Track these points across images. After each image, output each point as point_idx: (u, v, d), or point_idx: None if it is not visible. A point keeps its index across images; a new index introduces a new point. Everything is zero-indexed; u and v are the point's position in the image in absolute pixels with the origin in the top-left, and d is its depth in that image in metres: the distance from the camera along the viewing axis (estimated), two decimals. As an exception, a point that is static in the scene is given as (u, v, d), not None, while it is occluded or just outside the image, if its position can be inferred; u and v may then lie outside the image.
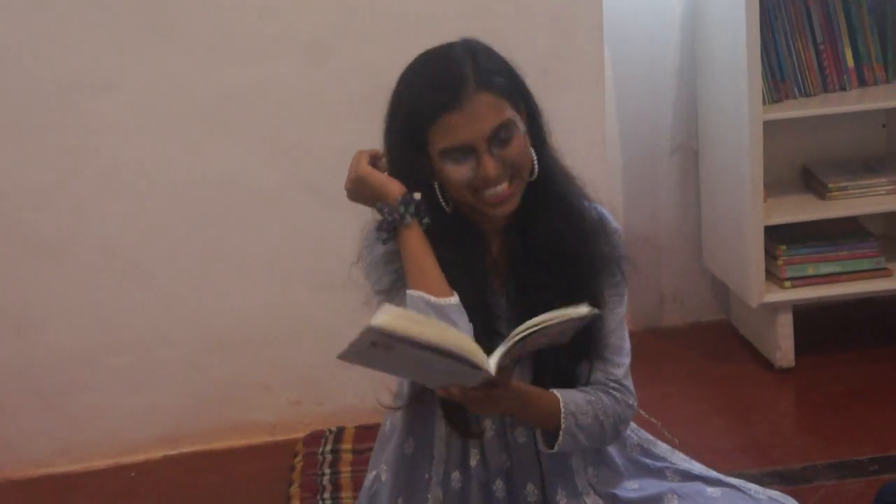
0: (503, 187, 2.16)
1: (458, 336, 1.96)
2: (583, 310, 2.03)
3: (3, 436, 3.58)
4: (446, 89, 2.13)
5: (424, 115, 2.15)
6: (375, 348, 1.90)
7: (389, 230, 2.19)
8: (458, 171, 2.15)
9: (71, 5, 3.37)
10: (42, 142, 3.45)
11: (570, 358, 2.24)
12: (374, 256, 2.25)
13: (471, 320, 2.17)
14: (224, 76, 3.46)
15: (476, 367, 1.97)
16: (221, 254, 3.57)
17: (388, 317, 1.87)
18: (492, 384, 2.03)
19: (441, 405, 2.24)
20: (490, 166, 2.14)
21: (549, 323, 2.01)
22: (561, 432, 2.19)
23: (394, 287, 2.22)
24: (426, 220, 2.19)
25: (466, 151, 2.14)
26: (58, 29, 3.38)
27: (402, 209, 2.18)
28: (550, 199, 2.23)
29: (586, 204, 2.29)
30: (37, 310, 3.54)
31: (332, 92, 3.51)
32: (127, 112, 3.46)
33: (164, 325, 3.59)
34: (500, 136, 2.15)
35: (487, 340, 2.08)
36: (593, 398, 2.24)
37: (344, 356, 1.98)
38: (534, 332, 2.00)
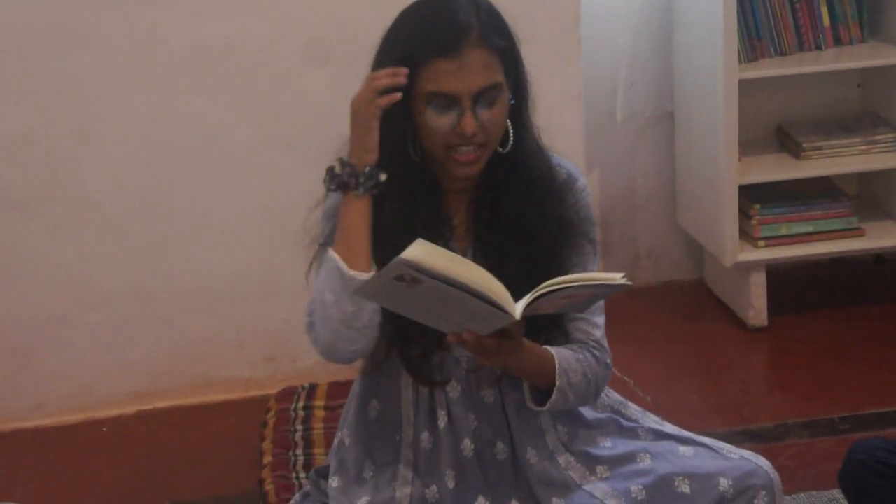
0: (472, 149, 2.15)
1: (487, 277, 1.94)
2: (617, 277, 2.03)
3: (-24, 391, 3.59)
4: (448, 34, 2.12)
5: (419, 54, 2.13)
6: (399, 282, 1.88)
7: (338, 187, 2.16)
8: (438, 121, 2.14)
9: (43, -42, 3.35)
10: (13, 96, 3.42)
11: (550, 317, 2.23)
12: (329, 204, 2.24)
13: None
14: (197, 31, 3.44)
15: (502, 310, 1.96)
16: (195, 210, 3.56)
17: (421, 251, 1.86)
18: (505, 335, 2.04)
19: (403, 358, 2.24)
20: (469, 123, 2.13)
21: (580, 284, 2.02)
22: (555, 390, 2.20)
23: (329, 240, 2.21)
24: (375, 192, 2.16)
25: (450, 102, 2.13)
26: (30, -19, 3.36)
27: (361, 178, 2.14)
28: (522, 174, 2.22)
29: (555, 164, 2.28)
30: (9, 265, 3.52)
31: (305, 49, 3.49)
32: (100, 66, 3.44)
33: (138, 280, 3.58)
34: (486, 97, 2.14)
35: None
36: (581, 356, 2.25)
37: (361, 290, 1.97)
38: (561, 289, 2.00)
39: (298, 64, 3.50)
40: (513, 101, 2.19)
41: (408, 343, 2.22)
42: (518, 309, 2.00)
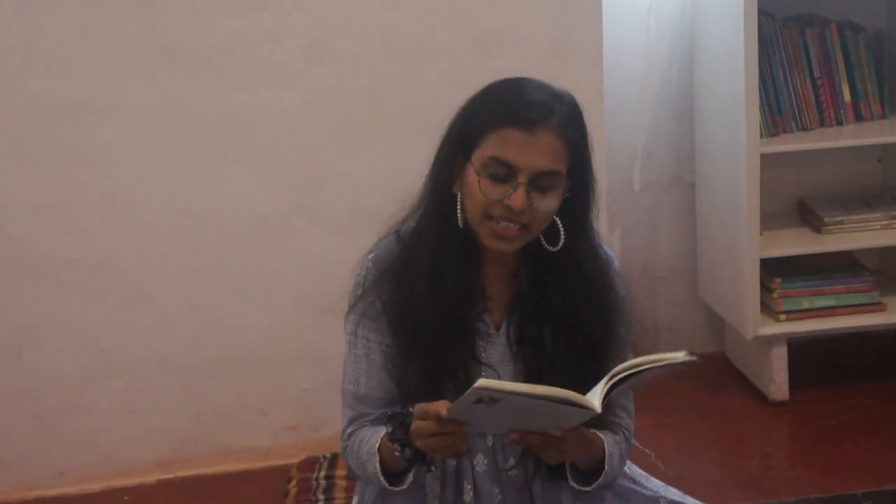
0: (514, 226, 2.16)
1: (554, 388, 2.00)
2: (679, 356, 2.06)
3: (0, 457, 3.59)
4: (531, 110, 2.14)
5: (496, 117, 2.15)
6: (478, 404, 1.97)
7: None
8: (489, 188, 2.15)
9: (76, 28, 3.39)
10: (44, 163, 3.46)
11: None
12: (358, 276, 2.27)
13: (452, 336, 2.21)
14: (227, 101, 3.48)
15: (582, 406, 2.00)
16: (221, 277, 3.58)
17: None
18: (577, 427, 2.10)
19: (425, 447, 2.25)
20: (520, 199, 2.13)
21: (648, 367, 2.05)
22: (603, 473, 2.24)
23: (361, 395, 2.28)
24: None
25: (508, 173, 2.14)
26: (62, 51, 3.40)
27: (424, 468, 2.20)
28: (575, 274, 2.24)
29: (601, 256, 2.30)
30: (36, 331, 3.54)
31: (334, 118, 3.52)
32: (129, 135, 3.47)
33: (162, 348, 3.59)
34: (543, 181, 2.15)
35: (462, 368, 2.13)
36: (618, 438, 2.29)
37: (451, 412, 2.03)
38: (631, 375, 2.04)
39: (326, 133, 3.53)
40: (567, 196, 2.20)
41: None
42: (597, 401, 2.02)
